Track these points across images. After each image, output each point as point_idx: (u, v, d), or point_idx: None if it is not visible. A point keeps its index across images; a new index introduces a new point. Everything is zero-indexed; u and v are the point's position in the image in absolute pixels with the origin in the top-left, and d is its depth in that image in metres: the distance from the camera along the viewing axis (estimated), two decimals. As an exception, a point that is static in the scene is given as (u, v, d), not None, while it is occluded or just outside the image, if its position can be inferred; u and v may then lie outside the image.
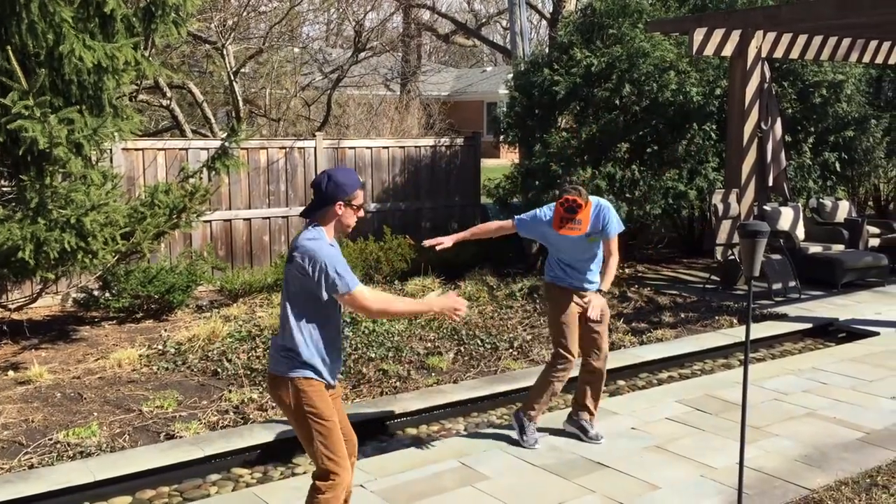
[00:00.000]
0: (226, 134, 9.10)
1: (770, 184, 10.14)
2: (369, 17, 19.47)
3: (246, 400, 5.88)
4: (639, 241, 12.00)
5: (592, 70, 10.10)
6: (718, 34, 9.44)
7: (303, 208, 10.64)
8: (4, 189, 6.93)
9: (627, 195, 9.95)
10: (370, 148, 10.95)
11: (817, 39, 10.33)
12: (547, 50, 12.43)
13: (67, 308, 8.59)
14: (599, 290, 5.00)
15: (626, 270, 10.68)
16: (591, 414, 5.22)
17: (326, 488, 3.44)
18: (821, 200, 11.20)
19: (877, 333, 7.79)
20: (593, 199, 4.95)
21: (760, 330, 7.94)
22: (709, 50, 9.42)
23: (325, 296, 3.34)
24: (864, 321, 8.25)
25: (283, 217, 10.21)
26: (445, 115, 23.95)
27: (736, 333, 7.73)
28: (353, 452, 3.64)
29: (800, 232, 10.47)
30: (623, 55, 10.08)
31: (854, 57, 10.76)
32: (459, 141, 11.81)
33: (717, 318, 8.34)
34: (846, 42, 10.60)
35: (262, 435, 5.22)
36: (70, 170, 6.37)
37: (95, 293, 8.25)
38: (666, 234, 12.84)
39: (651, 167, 10.25)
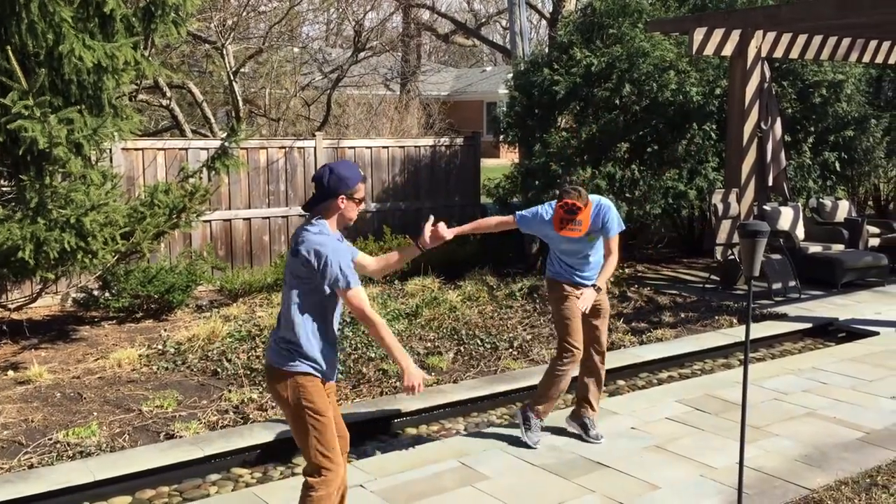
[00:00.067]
0: (225, 134, 9.11)
1: (770, 183, 10.14)
2: (369, 17, 19.47)
3: (246, 400, 5.88)
4: (639, 241, 12.00)
5: (592, 70, 10.10)
6: (718, 34, 9.44)
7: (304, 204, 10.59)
8: (4, 189, 6.93)
9: (627, 195, 9.95)
10: (370, 148, 10.95)
11: (817, 39, 10.33)
12: (547, 50, 12.42)
13: (67, 308, 8.59)
14: (595, 286, 4.99)
15: (626, 270, 10.68)
16: (594, 410, 5.24)
17: (319, 485, 3.44)
18: (821, 200, 11.20)
19: (877, 333, 7.79)
20: (593, 197, 4.95)
21: (760, 330, 7.94)
22: (709, 50, 9.42)
23: (327, 290, 3.37)
24: (863, 321, 8.25)
25: (282, 217, 10.21)
26: (445, 115, 23.95)
27: (736, 333, 7.73)
28: (345, 449, 3.65)
29: (800, 232, 10.47)
30: (623, 55, 10.08)
31: (854, 57, 10.76)
32: (459, 141, 11.81)
33: (716, 317, 8.34)
34: (846, 42, 10.59)
35: (262, 435, 5.22)
36: (70, 170, 6.37)
37: (95, 293, 8.25)
38: (666, 233, 12.84)
39: (651, 167, 10.25)
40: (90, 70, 6.42)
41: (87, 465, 4.77)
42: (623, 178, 9.94)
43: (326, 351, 3.47)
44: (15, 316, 7.91)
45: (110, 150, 8.68)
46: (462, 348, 7.23)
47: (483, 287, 9.31)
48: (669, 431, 5.36)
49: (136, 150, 9.18)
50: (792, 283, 9.43)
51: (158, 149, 9.41)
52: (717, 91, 10.48)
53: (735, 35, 9.60)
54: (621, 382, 6.67)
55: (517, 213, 5.13)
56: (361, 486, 4.50)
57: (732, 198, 9.75)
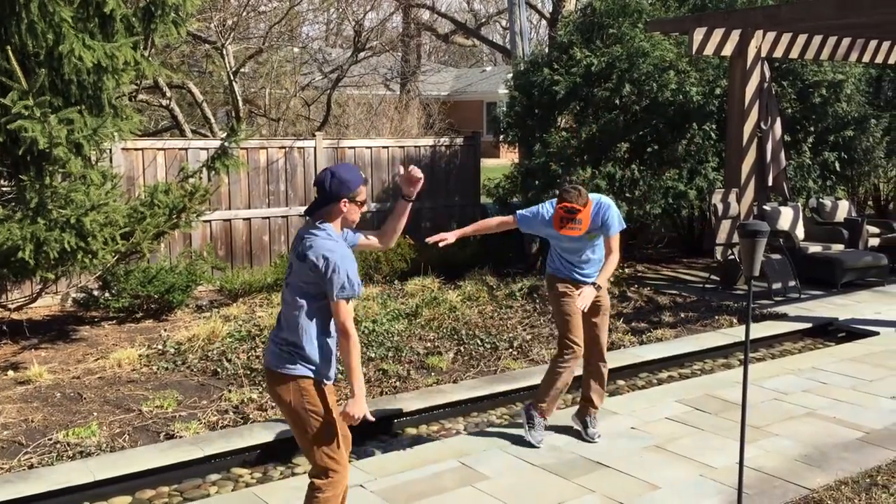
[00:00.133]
0: (225, 134, 9.11)
1: (770, 183, 10.14)
2: (369, 17, 19.47)
3: (246, 400, 5.88)
4: (639, 241, 12.00)
5: (592, 70, 10.10)
6: (718, 34, 9.44)
7: (303, 208, 10.60)
8: (4, 189, 6.93)
9: (627, 195, 9.95)
10: (370, 148, 10.95)
11: (817, 39, 10.33)
12: (547, 49, 12.42)
13: (67, 308, 8.59)
14: (594, 284, 4.99)
15: (626, 270, 10.68)
16: (595, 407, 5.25)
17: (326, 486, 3.44)
18: (820, 200, 11.20)
19: (877, 333, 7.79)
20: (594, 196, 4.95)
21: (760, 330, 7.94)
22: (708, 50, 9.42)
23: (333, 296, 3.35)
24: (863, 321, 8.25)
25: (282, 217, 10.21)
26: (445, 115, 23.94)
27: (736, 333, 7.73)
28: (347, 449, 3.64)
29: (799, 232, 10.47)
30: (623, 55, 10.08)
31: (854, 57, 10.76)
32: (459, 141, 11.81)
33: (716, 317, 8.34)
34: (846, 42, 10.60)
35: (262, 435, 5.22)
36: (70, 170, 6.37)
37: (95, 293, 8.25)
38: (666, 233, 12.84)
39: (651, 167, 10.25)
40: (90, 70, 6.43)
41: (87, 465, 4.77)
42: (623, 178, 9.94)
43: (329, 354, 3.46)
44: (15, 316, 7.91)
45: (110, 150, 8.68)
46: (462, 348, 7.23)
47: (483, 287, 9.31)
48: (669, 431, 5.36)
49: (136, 150, 9.18)
50: (792, 283, 9.43)
51: (158, 149, 9.41)
52: (717, 91, 10.48)
53: (735, 35, 9.60)
54: (621, 382, 6.67)
55: (518, 212, 5.14)
56: (361, 486, 4.50)
57: (732, 198, 9.75)
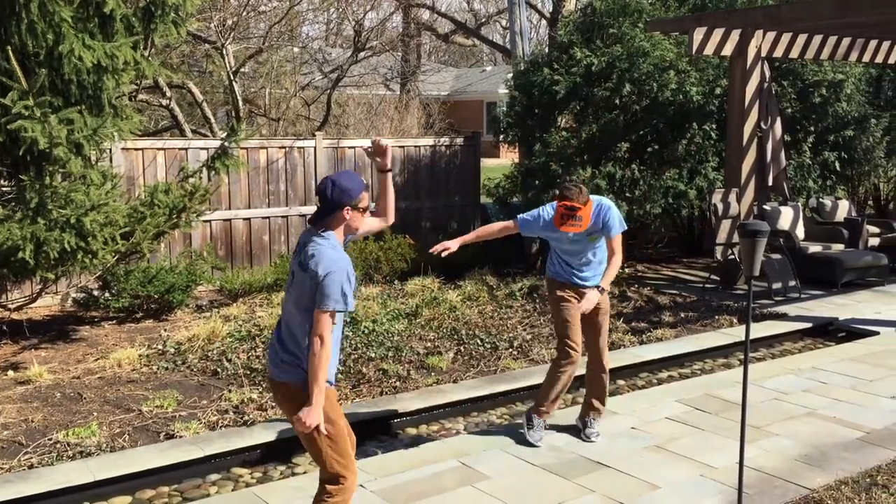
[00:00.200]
0: (225, 134, 9.11)
1: (770, 183, 10.14)
2: (369, 17, 19.47)
3: (246, 400, 5.88)
4: (639, 241, 12.00)
5: (592, 69, 10.10)
6: (718, 34, 9.44)
7: (303, 207, 10.59)
8: (4, 189, 6.93)
9: (627, 194, 9.95)
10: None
11: (817, 39, 10.33)
12: (547, 49, 12.42)
13: (67, 308, 8.59)
14: (599, 287, 5.00)
15: (626, 270, 10.68)
16: (595, 410, 5.25)
17: (337, 492, 3.44)
18: (820, 200, 11.20)
19: (877, 333, 7.79)
20: (595, 197, 4.97)
21: (760, 329, 7.94)
22: (708, 49, 9.42)
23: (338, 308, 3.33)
24: (863, 321, 8.25)
25: (282, 217, 10.21)
26: (445, 115, 23.94)
27: (736, 333, 7.73)
28: (352, 448, 3.64)
29: (800, 231, 10.47)
30: (623, 55, 10.08)
31: (854, 56, 10.76)
32: (459, 140, 11.81)
33: (716, 317, 8.34)
34: (846, 41, 10.59)
35: (262, 435, 5.22)
36: (70, 170, 6.37)
37: (95, 293, 8.25)
38: (666, 233, 12.84)
39: (651, 167, 10.25)
40: (90, 70, 6.43)
41: (87, 465, 4.77)
42: (623, 178, 9.94)
43: (332, 360, 3.46)
44: (15, 316, 7.91)
45: (110, 150, 8.68)
46: (462, 348, 7.23)
47: (483, 287, 9.31)
48: (669, 431, 5.36)
49: (136, 150, 9.18)
50: (792, 283, 9.43)
51: (158, 149, 9.41)
52: (717, 91, 10.48)
53: (735, 35, 9.60)
54: (621, 382, 6.67)
55: (518, 217, 5.15)
56: (362, 486, 4.50)
57: (732, 197, 9.75)
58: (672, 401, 5.94)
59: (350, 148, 10.78)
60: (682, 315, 8.49)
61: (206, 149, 9.56)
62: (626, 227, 5.10)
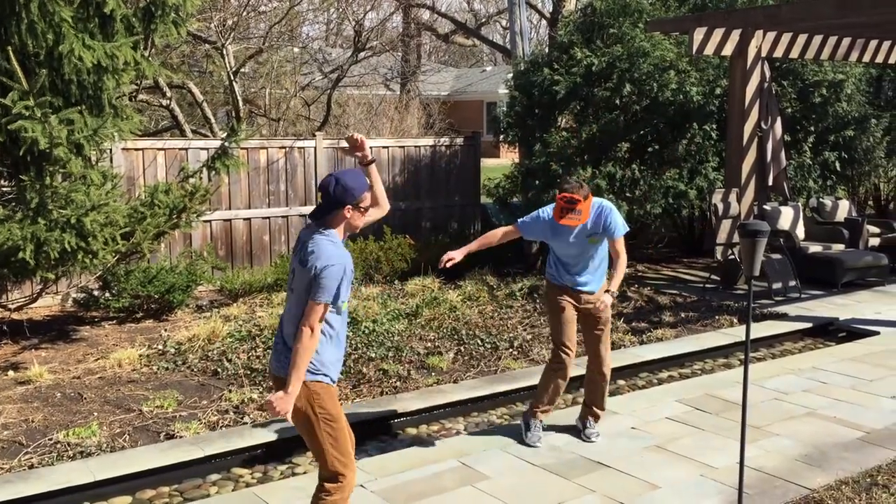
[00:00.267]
0: (226, 134, 9.11)
1: (770, 183, 10.14)
2: (369, 17, 19.48)
3: (246, 400, 5.88)
4: (639, 241, 12.00)
5: (593, 69, 10.10)
6: (718, 33, 9.44)
7: (303, 208, 10.59)
8: (4, 189, 6.93)
9: (628, 195, 9.96)
10: (370, 148, 10.93)
11: (817, 39, 10.33)
12: (547, 49, 12.42)
13: (67, 308, 8.59)
14: (609, 291, 5.00)
15: (627, 270, 10.63)
16: (593, 414, 5.25)
17: (335, 490, 3.45)
18: (821, 200, 11.20)
19: (877, 333, 7.79)
20: (596, 199, 4.99)
21: (761, 329, 7.94)
22: (709, 49, 9.42)
23: (339, 303, 3.36)
24: (864, 321, 8.25)
25: (282, 217, 10.21)
26: (445, 115, 23.95)
27: (736, 333, 7.73)
28: (352, 447, 3.65)
29: (800, 231, 10.47)
30: (623, 55, 10.08)
31: (854, 56, 10.76)
32: (459, 141, 11.81)
33: (717, 317, 8.34)
34: (846, 41, 10.60)
35: (262, 435, 5.22)
36: (70, 170, 6.37)
37: (95, 293, 8.25)
38: (666, 233, 12.84)
39: (651, 167, 10.25)
40: (90, 70, 6.43)
41: (87, 465, 4.78)
42: (623, 178, 9.94)
43: (336, 357, 3.47)
44: (15, 316, 7.91)
45: (110, 150, 8.68)
46: (462, 348, 7.23)
47: (483, 287, 9.31)
48: (670, 431, 5.36)
49: (137, 150, 9.18)
50: (792, 283, 9.43)
51: (158, 149, 9.41)
52: (718, 91, 10.48)
53: (735, 35, 9.60)
54: (621, 382, 6.67)
55: (518, 221, 5.18)
56: (362, 486, 4.50)
57: (732, 197, 9.75)
58: (672, 401, 5.94)
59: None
60: (683, 315, 8.49)
61: (207, 149, 9.56)
62: (628, 229, 5.10)
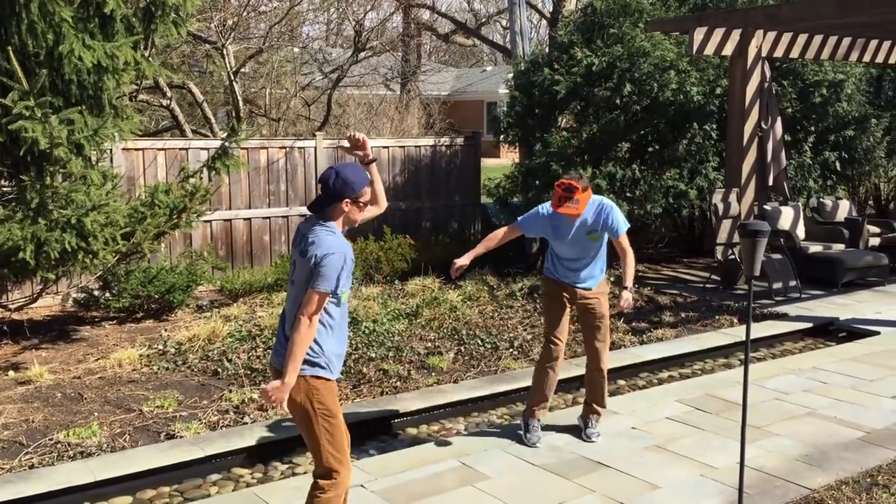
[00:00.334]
0: (226, 134, 9.11)
1: (770, 183, 10.14)
2: (369, 17, 19.50)
3: (246, 400, 5.88)
4: (639, 241, 11.98)
5: (593, 69, 10.10)
6: (718, 33, 9.44)
7: (304, 208, 10.58)
8: (5, 189, 6.93)
9: (628, 194, 9.96)
10: (371, 147, 10.93)
11: (817, 39, 10.33)
12: (547, 49, 12.42)
13: (68, 308, 8.60)
14: (626, 287, 5.02)
15: (627, 270, 10.67)
16: (594, 412, 5.25)
17: (329, 486, 3.45)
18: (821, 200, 11.20)
19: (877, 333, 7.79)
20: (596, 196, 5.01)
21: (761, 329, 7.93)
22: (709, 49, 9.42)
23: (339, 293, 3.37)
24: (864, 321, 8.24)
25: (283, 217, 10.21)
26: (445, 115, 23.96)
27: (736, 333, 7.73)
28: (347, 446, 3.65)
29: (800, 231, 10.47)
30: (623, 55, 10.08)
31: (854, 56, 10.76)
32: (459, 140, 11.81)
33: (717, 317, 8.34)
34: (846, 41, 10.59)
35: (263, 435, 5.22)
36: (70, 170, 6.38)
37: (96, 293, 8.25)
38: (666, 233, 12.84)
39: (651, 166, 10.25)
40: (90, 70, 6.43)
41: (87, 465, 4.78)
42: (624, 178, 9.95)
43: (337, 352, 3.47)
44: (15, 316, 7.92)
45: (111, 150, 8.68)
46: (462, 348, 7.23)
47: (483, 287, 9.31)
48: (670, 431, 5.36)
49: (137, 150, 9.18)
50: (792, 283, 9.43)
51: (159, 149, 9.41)
52: (718, 91, 10.48)
53: (735, 35, 9.60)
54: (622, 382, 6.67)
55: (518, 219, 5.22)
56: (362, 486, 4.50)
57: (733, 197, 9.75)
58: (672, 401, 5.94)
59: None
60: (683, 315, 8.49)
61: (207, 149, 9.56)
62: (629, 226, 5.13)
